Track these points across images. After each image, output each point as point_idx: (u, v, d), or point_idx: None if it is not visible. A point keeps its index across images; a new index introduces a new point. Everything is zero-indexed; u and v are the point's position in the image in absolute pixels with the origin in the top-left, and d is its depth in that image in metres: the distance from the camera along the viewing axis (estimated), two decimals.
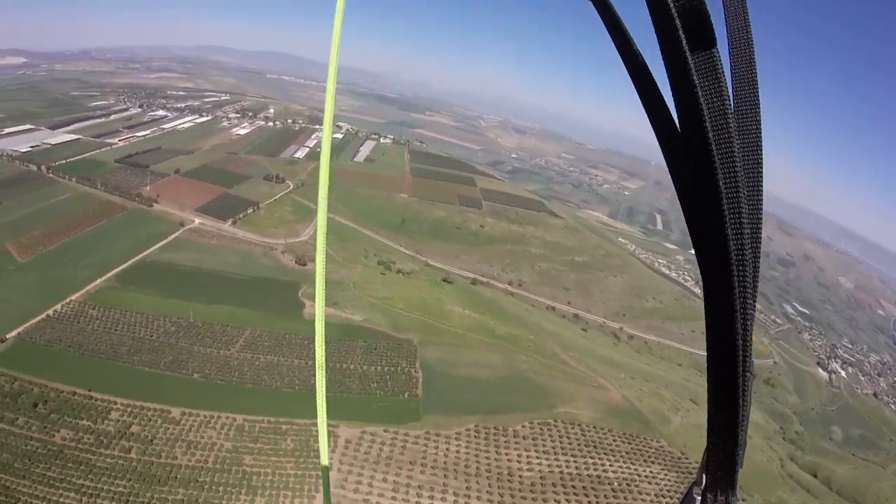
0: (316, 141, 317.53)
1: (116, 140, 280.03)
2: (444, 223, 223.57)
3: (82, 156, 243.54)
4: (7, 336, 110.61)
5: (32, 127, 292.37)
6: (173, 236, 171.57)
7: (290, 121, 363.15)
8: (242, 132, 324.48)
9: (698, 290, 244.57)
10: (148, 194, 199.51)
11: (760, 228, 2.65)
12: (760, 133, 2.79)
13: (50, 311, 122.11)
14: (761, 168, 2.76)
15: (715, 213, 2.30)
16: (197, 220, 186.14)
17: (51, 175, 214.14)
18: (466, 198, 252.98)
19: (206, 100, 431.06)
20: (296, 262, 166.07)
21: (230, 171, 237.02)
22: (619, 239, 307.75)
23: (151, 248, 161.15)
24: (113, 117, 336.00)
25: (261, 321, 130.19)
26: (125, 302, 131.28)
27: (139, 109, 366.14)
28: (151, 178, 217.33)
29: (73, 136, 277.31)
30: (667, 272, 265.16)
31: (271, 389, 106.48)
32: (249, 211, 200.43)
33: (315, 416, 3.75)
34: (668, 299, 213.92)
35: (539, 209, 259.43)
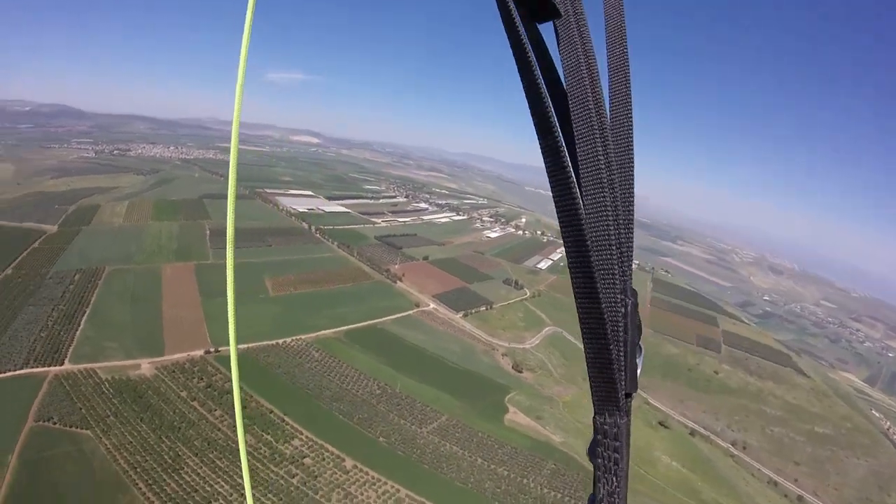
0: (560, 255, 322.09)
1: (380, 220, 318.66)
2: (676, 362, 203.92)
3: (348, 226, 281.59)
4: (239, 347, 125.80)
5: (312, 194, 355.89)
6: (407, 313, 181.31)
7: (539, 232, 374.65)
8: (492, 235, 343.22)
9: None
10: (395, 272, 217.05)
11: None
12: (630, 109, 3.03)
13: (280, 341, 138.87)
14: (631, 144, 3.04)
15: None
16: (432, 305, 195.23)
17: (317, 235, 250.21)
18: (705, 338, 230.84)
19: (465, 201, 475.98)
20: (513, 367, 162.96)
21: (473, 269, 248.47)
22: (873, 412, 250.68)
23: (384, 318, 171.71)
24: (381, 201, 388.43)
25: (460, 412, 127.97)
26: (345, 355, 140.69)
27: (404, 199, 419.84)
28: (402, 259, 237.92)
29: (343, 209, 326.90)
30: None
31: (445, 478, 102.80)
32: (482, 308, 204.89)
33: None
34: None
35: (785, 363, 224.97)
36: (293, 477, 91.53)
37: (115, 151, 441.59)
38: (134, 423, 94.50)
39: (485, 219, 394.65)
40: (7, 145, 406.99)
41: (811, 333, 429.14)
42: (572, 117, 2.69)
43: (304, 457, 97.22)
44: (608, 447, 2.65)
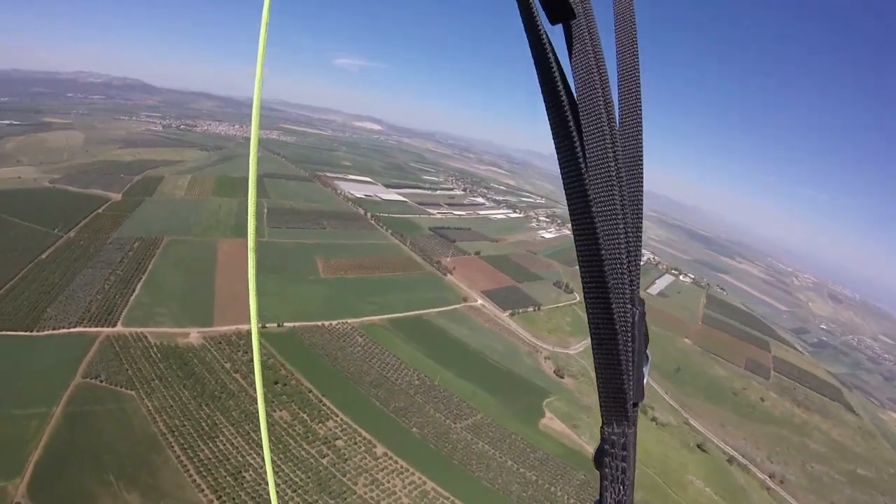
0: None
1: (435, 212, 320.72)
2: (721, 384, 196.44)
3: (403, 215, 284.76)
4: (285, 324, 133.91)
5: (371, 181, 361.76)
6: (453, 307, 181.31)
7: None
8: (547, 236, 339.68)
9: None
10: (446, 265, 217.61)
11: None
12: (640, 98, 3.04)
13: (326, 322, 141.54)
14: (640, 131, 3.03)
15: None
16: (479, 301, 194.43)
17: (372, 222, 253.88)
18: (755, 363, 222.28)
19: (523, 198, 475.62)
20: (554, 371, 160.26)
21: (524, 268, 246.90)
22: None
23: (430, 310, 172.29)
24: (438, 192, 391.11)
25: (496, 412, 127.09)
26: (388, 343, 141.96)
27: (462, 192, 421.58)
28: (454, 253, 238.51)
29: (401, 198, 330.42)
30: None
31: (472, 476, 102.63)
32: (530, 309, 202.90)
33: None
34: None
35: (834, 397, 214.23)
36: (324, 457, 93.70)
37: (182, 126, 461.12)
38: (177, 389, 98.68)
39: (541, 218, 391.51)
40: (79, 115, 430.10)
41: (865, 368, 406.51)
42: (583, 125, 2.64)
43: (337, 438, 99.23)
44: (616, 457, 2.77)
